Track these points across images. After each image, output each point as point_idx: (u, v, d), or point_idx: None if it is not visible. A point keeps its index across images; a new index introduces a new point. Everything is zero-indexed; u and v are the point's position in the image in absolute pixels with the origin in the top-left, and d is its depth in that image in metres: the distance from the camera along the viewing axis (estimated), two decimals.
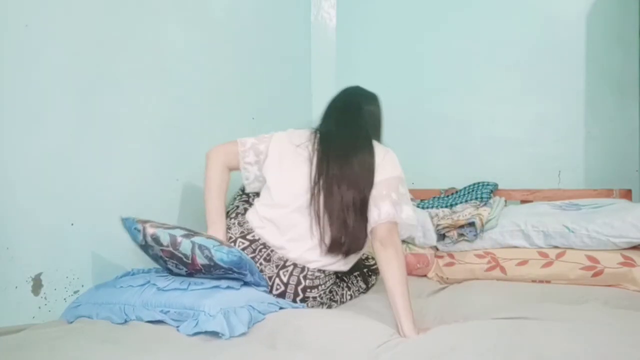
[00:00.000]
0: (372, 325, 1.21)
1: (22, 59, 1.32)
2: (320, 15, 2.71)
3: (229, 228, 1.53)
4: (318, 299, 1.48)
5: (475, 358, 0.99)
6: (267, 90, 2.30)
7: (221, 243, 1.33)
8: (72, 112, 1.44)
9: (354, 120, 1.58)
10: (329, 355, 1.06)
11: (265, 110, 2.24)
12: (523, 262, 1.72)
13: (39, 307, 1.36)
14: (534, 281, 1.70)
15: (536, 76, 2.30)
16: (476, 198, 2.03)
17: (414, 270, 1.87)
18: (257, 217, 1.51)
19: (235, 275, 1.33)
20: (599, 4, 2.21)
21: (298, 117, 2.45)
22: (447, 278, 1.83)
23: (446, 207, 2.05)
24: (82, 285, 1.46)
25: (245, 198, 1.64)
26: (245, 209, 1.58)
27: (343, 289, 1.62)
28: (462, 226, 1.83)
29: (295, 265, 1.46)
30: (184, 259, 1.31)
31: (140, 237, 1.35)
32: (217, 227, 1.50)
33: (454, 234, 1.84)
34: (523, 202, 2.18)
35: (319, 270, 1.47)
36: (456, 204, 2.04)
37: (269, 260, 1.46)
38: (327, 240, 1.44)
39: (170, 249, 1.31)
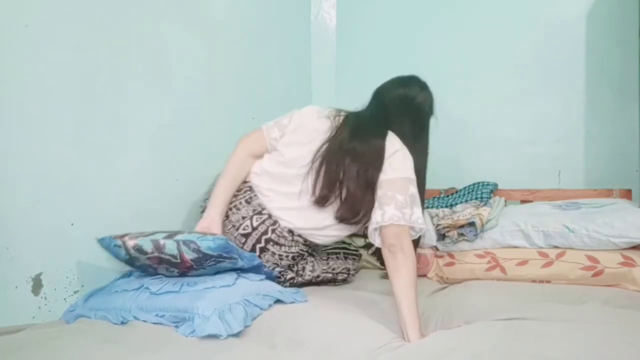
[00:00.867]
0: (373, 327, 1.21)
1: (22, 59, 1.32)
2: (320, 15, 2.71)
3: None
4: (277, 257, 1.50)
5: (475, 358, 0.99)
6: (267, 90, 2.30)
7: (204, 234, 1.33)
8: (72, 112, 1.44)
9: (377, 105, 1.62)
10: (328, 355, 1.07)
11: (265, 110, 2.23)
12: (523, 262, 1.72)
13: (39, 307, 1.36)
14: (534, 281, 1.70)
15: (536, 76, 2.30)
16: (476, 198, 2.02)
17: None
18: (258, 166, 1.57)
19: (227, 264, 1.33)
20: (599, 4, 2.20)
21: None
22: (447, 278, 1.82)
23: (446, 207, 2.05)
24: (82, 285, 1.46)
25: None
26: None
27: (307, 263, 1.62)
28: (462, 226, 1.82)
29: (269, 216, 1.49)
30: (173, 260, 1.30)
31: (123, 252, 1.33)
32: (216, 210, 1.50)
33: (454, 233, 1.83)
34: (523, 202, 2.17)
35: (288, 231, 1.50)
36: (456, 204, 2.04)
37: (249, 202, 1.51)
38: (318, 193, 1.46)
39: (156, 254, 1.30)
